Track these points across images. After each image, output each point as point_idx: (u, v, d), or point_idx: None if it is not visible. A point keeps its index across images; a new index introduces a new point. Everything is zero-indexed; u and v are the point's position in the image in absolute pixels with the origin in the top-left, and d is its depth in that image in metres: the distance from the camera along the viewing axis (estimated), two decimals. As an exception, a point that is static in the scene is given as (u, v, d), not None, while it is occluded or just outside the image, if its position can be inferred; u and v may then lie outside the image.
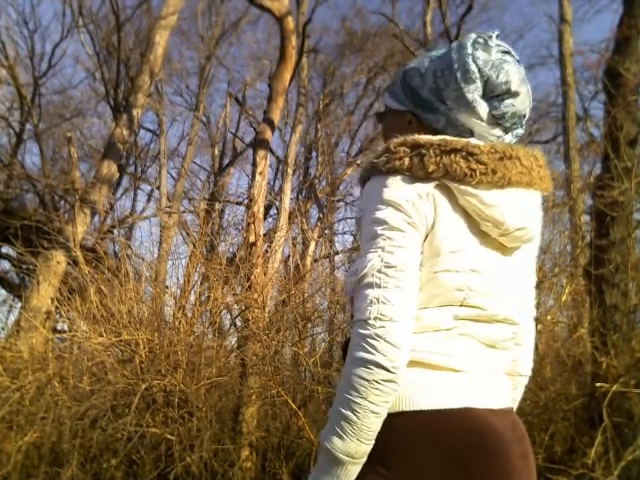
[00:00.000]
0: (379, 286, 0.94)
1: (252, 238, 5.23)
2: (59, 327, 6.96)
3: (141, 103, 7.85)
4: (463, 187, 0.99)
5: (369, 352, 0.91)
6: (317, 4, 11.56)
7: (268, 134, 6.32)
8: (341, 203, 12.97)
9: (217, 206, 7.79)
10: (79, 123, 13.63)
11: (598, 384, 3.72)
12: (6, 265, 11.45)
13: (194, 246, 5.23)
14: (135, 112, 7.72)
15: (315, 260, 9.12)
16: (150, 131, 13.57)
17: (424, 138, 1.01)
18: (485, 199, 0.99)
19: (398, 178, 0.99)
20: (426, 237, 0.99)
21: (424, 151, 0.99)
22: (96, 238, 7.88)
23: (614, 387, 3.62)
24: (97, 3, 11.74)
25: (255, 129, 11.14)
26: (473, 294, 1.00)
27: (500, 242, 1.04)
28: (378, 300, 0.93)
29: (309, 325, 5.05)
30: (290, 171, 8.79)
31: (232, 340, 5.45)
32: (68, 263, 6.57)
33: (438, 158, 0.98)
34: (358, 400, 0.90)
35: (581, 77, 9.01)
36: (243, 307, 4.90)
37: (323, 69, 13.51)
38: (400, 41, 10.53)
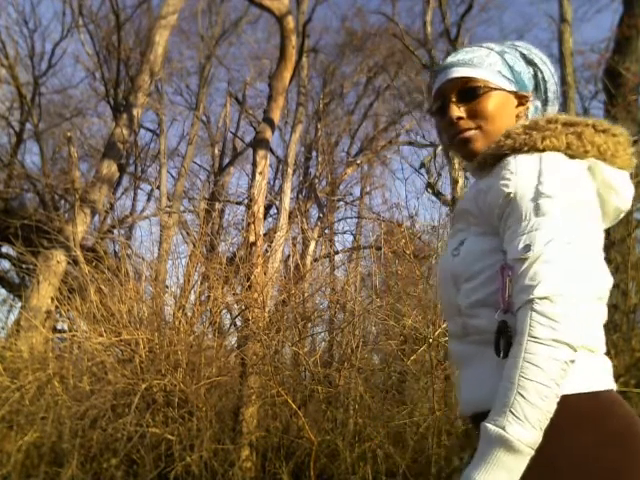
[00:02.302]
0: (560, 262, 0.90)
1: (252, 238, 5.23)
2: (59, 327, 6.96)
3: (141, 103, 7.85)
4: (606, 166, 1.02)
5: (555, 330, 0.86)
6: (317, 3, 11.55)
7: (268, 134, 6.32)
8: (341, 202, 12.97)
9: (217, 206, 7.80)
10: (79, 123, 13.64)
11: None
12: (6, 265, 11.47)
13: (194, 246, 5.23)
14: (135, 112, 7.72)
15: (315, 260, 9.11)
16: (150, 131, 13.57)
17: (574, 117, 1.04)
18: (618, 178, 1.04)
19: (559, 154, 1.00)
20: None
21: (580, 129, 1.02)
22: (96, 238, 7.88)
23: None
24: (97, 3, 11.75)
25: (255, 129, 11.14)
26: (601, 271, 0.99)
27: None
28: (560, 277, 0.89)
29: (309, 325, 5.05)
30: (290, 171, 8.79)
31: (232, 340, 5.46)
32: (68, 263, 6.57)
33: (593, 137, 1.01)
34: (546, 382, 0.85)
35: (581, 77, 8.98)
36: (243, 307, 4.90)
37: (323, 69, 13.51)
38: (400, 41, 10.53)
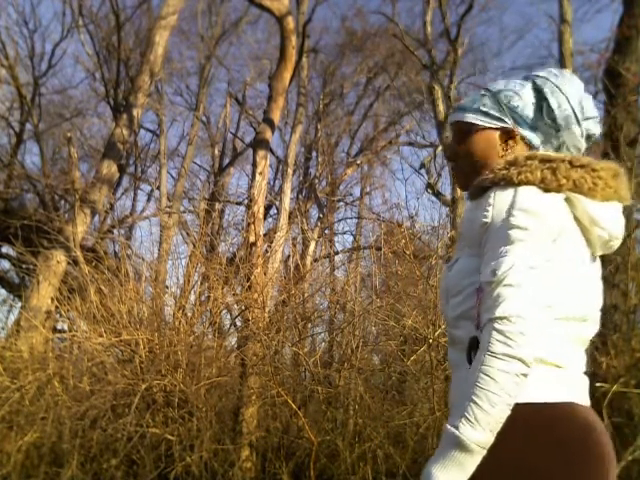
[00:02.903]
0: (520, 286, 1.02)
1: (252, 238, 5.23)
2: (59, 327, 6.97)
3: (141, 103, 7.85)
4: (584, 199, 1.11)
5: (510, 347, 0.98)
6: (317, 4, 11.52)
7: (268, 134, 6.32)
8: (341, 203, 12.97)
9: (217, 206, 7.80)
10: (79, 123, 13.63)
11: (598, 384, 3.72)
12: (6, 265, 11.48)
13: (194, 246, 5.23)
14: (135, 112, 7.72)
15: (315, 260, 9.12)
16: (150, 131, 13.57)
17: (553, 154, 1.15)
18: (601, 211, 1.13)
19: (532, 188, 1.10)
20: (552, 243, 1.10)
21: (555, 165, 1.11)
22: (96, 238, 7.89)
23: (614, 387, 3.62)
24: (97, 3, 11.73)
25: (255, 129, 11.14)
26: (573, 296, 1.10)
27: (591, 251, 1.17)
28: (519, 299, 1.01)
29: (309, 325, 5.05)
30: (290, 171, 8.79)
31: (232, 340, 5.46)
32: (68, 263, 6.57)
33: (568, 172, 1.10)
34: (497, 392, 0.98)
35: (581, 77, 8.96)
36: (243, 307, 4.90)
37: (323, 69, 13.50)
38: (400, 41, 10.53)
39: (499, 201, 1.11)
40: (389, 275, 5.21)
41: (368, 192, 13.34)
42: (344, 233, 12.98)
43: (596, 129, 1.26)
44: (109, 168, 7.38)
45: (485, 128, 1.25)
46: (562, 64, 8.56)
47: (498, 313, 1.01)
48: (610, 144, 4.41)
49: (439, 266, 4.38)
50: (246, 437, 4.31)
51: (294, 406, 4.07)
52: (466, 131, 1.26)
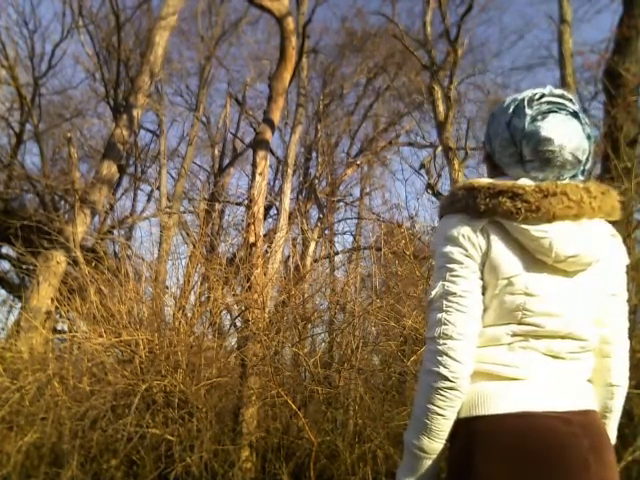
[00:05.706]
0: (442, 310, 1.12)
1: (252, 238, 5.23)
2: (59, 327, 6.95)
3: (141, 103, 7.85)
4: (511, 223, 1.14)
5: (434, 364, 1.10)
6: (317, 4, 11.53)
7: (268, 134, 6.32)
8: (341, 203, 12.97)
9: (217, 206, 7.80)
10: (79, 123, 13.63)
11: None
12: (6, 265, 11.47)
13: (194, 246, 5.23)
14: (135, 112, 7.71)
15: (315, 260, 9.12)
16: (150, 131, 13.57)
17: (477, 182, 1.19)
18: (533, 232, 1.13)
19: (457, 217, 1.18)
20: (484, 265, 1.15)
21: (476, 194, 1.16)
22: (96, 238, 7.89)
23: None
24: (97, 3, 11.73)
25: (255, 129, 11.13)
26: (530, 314, 1.14)
27: (561, 267, 1.16)
28: (441, 322, 1.11)
29: (309, 326, 5.04)
30: (290, 171, 8.79)
31: (232, 341, 5.45)
32: (68, 263, 6.57)
33: (487, 200, 1.15)
34: (427, 404, 1.10)
35: (581, 77, 8.96)
36: (243, 308, 4.90)
37: (323, 69, 13.49)
38: (400, 41, 10.52)
39: (436, 231, 1.23)
40: (389, 275, 5.21)
41: (368, 192, 13.35)
42: (344, 233, 12.99)
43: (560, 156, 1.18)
44: (109, 168, 7.37)
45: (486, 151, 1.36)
46: (562, 64, 8.56)
47: (428, 334, 1.13)
48: (610, 144, 4.41)
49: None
50: (246, 437, 4.31)
51: (294, 406, 4.07)
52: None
